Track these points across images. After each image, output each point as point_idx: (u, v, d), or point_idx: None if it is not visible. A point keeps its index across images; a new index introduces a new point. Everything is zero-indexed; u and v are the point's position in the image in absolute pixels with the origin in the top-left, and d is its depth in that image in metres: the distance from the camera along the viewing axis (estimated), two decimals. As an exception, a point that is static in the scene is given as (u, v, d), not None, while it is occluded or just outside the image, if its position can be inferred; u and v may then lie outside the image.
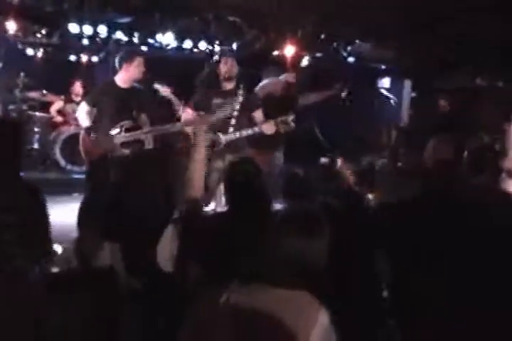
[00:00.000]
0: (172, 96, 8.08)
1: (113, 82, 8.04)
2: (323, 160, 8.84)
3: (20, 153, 4.02)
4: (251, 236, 2.84)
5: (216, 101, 7.87)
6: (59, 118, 12.51)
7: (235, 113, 7.82)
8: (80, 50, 13.54)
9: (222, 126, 7.77)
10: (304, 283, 2.60)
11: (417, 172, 5.57)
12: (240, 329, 2.54)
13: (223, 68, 7.92)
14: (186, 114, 7.88)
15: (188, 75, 9.97)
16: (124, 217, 3.15)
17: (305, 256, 2.61)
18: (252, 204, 3.93)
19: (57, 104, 12.62)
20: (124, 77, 7.96)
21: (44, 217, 3.74)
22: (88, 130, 7.95)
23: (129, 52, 8.50)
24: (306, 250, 2.62)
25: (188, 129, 7.61)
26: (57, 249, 4.22)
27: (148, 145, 7.79)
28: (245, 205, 3.98)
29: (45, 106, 12.70)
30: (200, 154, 4.05)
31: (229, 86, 7.94)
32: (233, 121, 7.81)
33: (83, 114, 8.04)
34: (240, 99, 7.83)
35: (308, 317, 2.52)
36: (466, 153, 5.67)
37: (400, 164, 8.37)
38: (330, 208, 3.69)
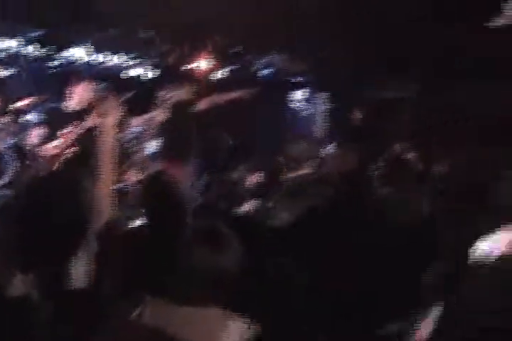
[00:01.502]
0: None
1: None
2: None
3: None
4: (165, 250, 2.84)
5: None
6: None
7: None
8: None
9: None
10: (215, 297, 2.62)
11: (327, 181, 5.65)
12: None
13: None
14: None
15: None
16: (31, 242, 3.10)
17: (215, 271, 2.63)
18: (168, 217, 3.93)
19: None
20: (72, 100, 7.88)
21: None
22: None
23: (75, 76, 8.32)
24: (216, 264, 2.64)
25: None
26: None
27: None
28: (161, 218, 3.98)
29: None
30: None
31: None
32: None
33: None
34: None
35: (216, 329, 2.55)
36: (376, 163, 5.80)
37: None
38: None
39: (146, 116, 9.10)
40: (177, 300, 2.59)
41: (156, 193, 4.66)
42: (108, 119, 3.96)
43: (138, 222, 4.98)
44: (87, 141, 7.38)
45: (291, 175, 7.42)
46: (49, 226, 3.02)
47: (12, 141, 11.87)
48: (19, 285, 2.97)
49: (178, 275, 2.66)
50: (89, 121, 7.42)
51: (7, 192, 10.53)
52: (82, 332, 2.83)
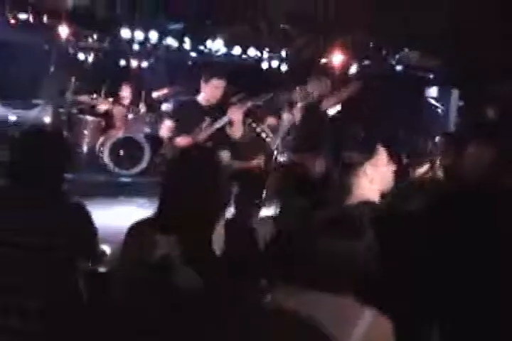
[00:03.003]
0: None
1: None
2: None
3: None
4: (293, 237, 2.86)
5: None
6: (106, 121, 12.61)
7: None
8: (130, 54, 13.67)
9: None
10: (348, 286, 2.63)
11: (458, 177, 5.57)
12: (281, 331, 2.58)
13: None
14: None
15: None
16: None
17: (348, 259, 2.64)
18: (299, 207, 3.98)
19: (104, 106, 12.62)
20: (203, 95, 7.78)
21: (91, 230, 3.77)
22: None
23: (207, 71, 8.09)
24: (349, 252, 2.64)
25: None
26: (106, 250, 4.27)
27: None
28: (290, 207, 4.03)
29: (95, 110, 12.83)
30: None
31: None
32: None
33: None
34: None
35: (349, 317, 2.56)
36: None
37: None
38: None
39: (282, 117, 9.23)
40: (308, 286, 2.61)
41: (290, 184, 4.74)
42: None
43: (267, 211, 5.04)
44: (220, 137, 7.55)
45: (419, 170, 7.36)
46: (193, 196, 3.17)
47: (148, 131, 12.25)
48: (163, 245, 3.09)
49: (309, 261, 2.67)
50: (223, 119, 7.52)
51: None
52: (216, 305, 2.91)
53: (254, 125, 8.35)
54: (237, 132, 7.57)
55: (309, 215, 2.94)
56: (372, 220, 2.93)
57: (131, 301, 3.11)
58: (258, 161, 9.29)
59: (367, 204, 3.83)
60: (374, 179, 4.03)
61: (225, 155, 7.37)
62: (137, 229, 3.31)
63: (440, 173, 7.34)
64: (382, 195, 4.13)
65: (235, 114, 7.53)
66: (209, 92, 7.65)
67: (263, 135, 8.32)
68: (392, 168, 4.21)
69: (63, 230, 3.59)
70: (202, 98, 7.68)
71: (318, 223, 2.74)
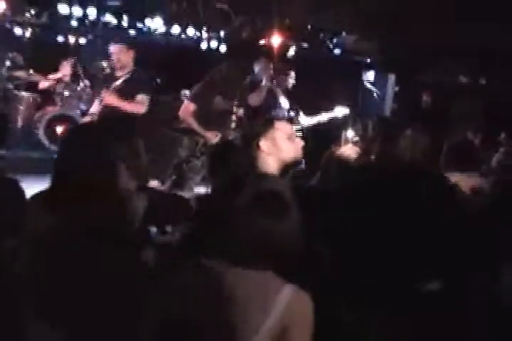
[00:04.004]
0: None
1: None
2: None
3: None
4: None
5: (218, 98, 8.10)
6: (42, 98, 12.52)
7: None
8: (68, 31, 13.53)
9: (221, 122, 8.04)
10: (269, 264, 2.68)
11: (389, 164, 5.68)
12: (203, 305, 2.62)
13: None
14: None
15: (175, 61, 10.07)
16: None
17: (272, 237, 2.67)
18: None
19: (42, 83, 12.59)
20: None
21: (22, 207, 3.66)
22: None
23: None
24: (273, 231, 2.67)
25: None
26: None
27: None
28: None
29: (31, 86, 12.70)
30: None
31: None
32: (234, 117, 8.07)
33: None
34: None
35: (271, 289, 2.62)
36: (445, 147, 5.79)
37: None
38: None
39: None
40: (231, 262, 2.65)
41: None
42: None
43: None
44: None
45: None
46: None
47: (85, 108, 12.17)
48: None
49: (233, 238, 2.70)
50: None
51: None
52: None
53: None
54: None
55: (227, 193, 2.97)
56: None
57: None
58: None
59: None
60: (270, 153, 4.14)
61: None
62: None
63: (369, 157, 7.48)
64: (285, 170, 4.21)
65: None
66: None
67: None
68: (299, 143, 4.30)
69: None
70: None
71: (248, 199, 2.78)
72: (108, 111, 7.84)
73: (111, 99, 7.84)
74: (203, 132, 7.87)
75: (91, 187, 3.15)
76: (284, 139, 4.18)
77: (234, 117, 8.17)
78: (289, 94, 9.59)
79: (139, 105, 7.86)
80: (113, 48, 8.05)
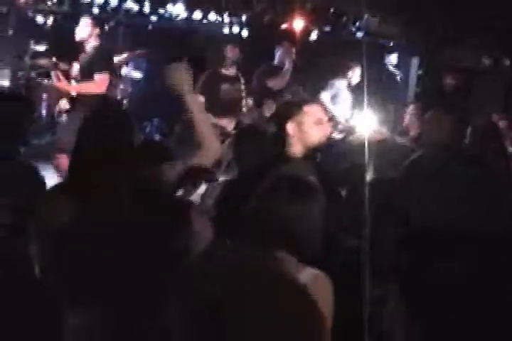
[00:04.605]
0: None
1: None
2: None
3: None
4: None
5: (224, 86, 8.08)
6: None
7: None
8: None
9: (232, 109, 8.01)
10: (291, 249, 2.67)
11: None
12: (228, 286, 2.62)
13: (230, 54, 8.15)
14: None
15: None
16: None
17: (296, 222, 2.67)
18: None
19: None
20: None
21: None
22: None
23: None
24: (298, 215, 2.67)
25: None
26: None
27: None
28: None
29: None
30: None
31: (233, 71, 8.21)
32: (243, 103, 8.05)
33: None
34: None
35: (290, 271, 2.61)
36: (470, 129, 5.77)
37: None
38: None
39: None
40: (253, 245, 2.65)
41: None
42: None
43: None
44: None
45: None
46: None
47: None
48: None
49: (257, 222, 2.70)
50: None
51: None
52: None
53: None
54: None
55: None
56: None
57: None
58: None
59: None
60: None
61: None
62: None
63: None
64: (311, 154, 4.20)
65: None
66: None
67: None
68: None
69: (14, 192, 3.60)
70: None
71: (272, 184, 2.78)
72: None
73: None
74: (218, 121, 7.83)
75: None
76: (312, 123, 4.17)
77: (244, 102, 8.16)
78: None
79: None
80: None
